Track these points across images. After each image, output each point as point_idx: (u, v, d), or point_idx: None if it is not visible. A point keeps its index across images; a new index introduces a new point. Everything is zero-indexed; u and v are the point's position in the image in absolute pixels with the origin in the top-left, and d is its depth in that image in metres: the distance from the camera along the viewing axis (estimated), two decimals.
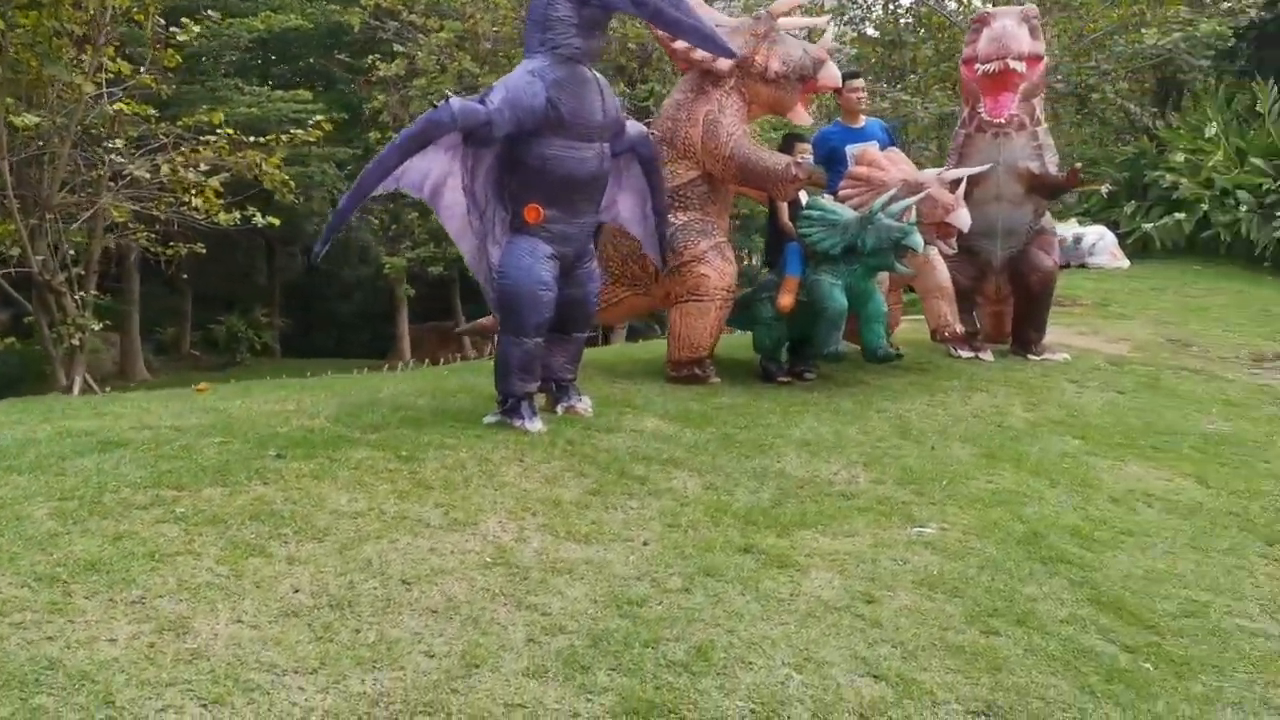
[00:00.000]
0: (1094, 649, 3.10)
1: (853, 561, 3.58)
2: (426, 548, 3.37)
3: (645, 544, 3.59)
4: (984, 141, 7.25)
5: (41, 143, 10.10)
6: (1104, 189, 14.76)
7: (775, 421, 5.41)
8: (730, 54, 5.04)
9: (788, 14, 6.30)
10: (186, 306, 22.36)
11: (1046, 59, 7.13)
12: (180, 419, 4.79)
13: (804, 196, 6.48)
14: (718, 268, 6.15)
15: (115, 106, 9.97)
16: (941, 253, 6.97)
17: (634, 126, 5.41)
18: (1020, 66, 6.64)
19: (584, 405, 5.28)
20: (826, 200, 6.39)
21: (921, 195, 6.39)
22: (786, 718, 2.58)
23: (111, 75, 10.09)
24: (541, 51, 4.76)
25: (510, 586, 3.14)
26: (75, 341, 10.03)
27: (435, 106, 4.57)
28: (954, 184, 6.60)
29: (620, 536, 3.63)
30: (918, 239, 6.06)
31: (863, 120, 7.42)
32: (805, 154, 6.69)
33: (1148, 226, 14.71)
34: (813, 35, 6.61)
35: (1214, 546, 4.09)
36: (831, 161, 7.08)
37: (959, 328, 7.12)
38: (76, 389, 9.71)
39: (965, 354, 7.47)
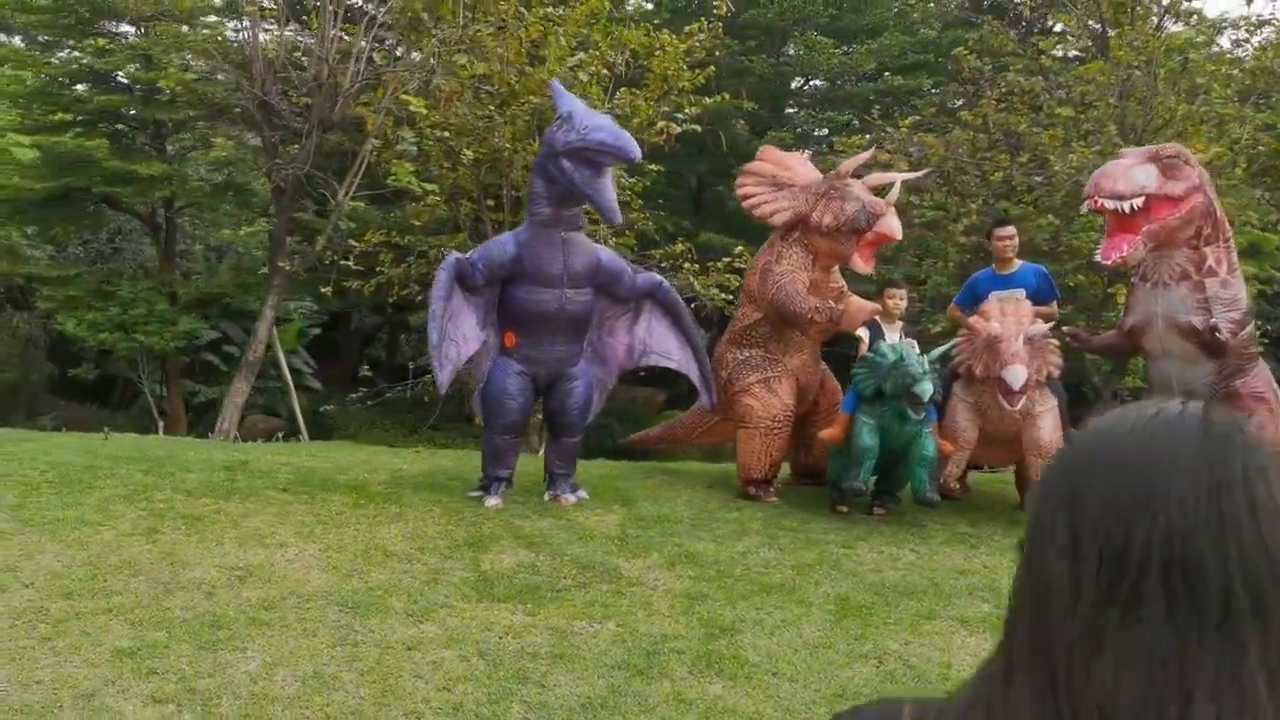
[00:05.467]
0: None
1: None
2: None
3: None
4: (1143, 291, 6.65)
5: None
6: None
7: (754, 562, 5.84)
8: (613, 221, 5.99)
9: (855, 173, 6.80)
10: None
11: (1199, 200, 6.26)
12: None
13: (864, 336, 6.80)
14: (763, 399, 6.81)
15: None
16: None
17: (645, 278, 6.57)
18: (1116, 205, 6.11)
19: (569, 498, 6.46)
20: (887, 344, 6.62)
21: (980, 346, 6.35)
22: None
23: None
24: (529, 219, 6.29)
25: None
26: None
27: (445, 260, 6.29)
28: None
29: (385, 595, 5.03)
30: (925, 387, 6.10)
31: (1015, 265, 7.24)
32: (895, 299, 6.94)
33: None
34: (882, 191, 6.87)
35: None
36: (978, 306, 7.11)
37: None
38: None
39: None
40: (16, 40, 21.16)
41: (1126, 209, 6.15)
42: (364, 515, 5.93)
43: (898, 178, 7.08)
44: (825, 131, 24.23)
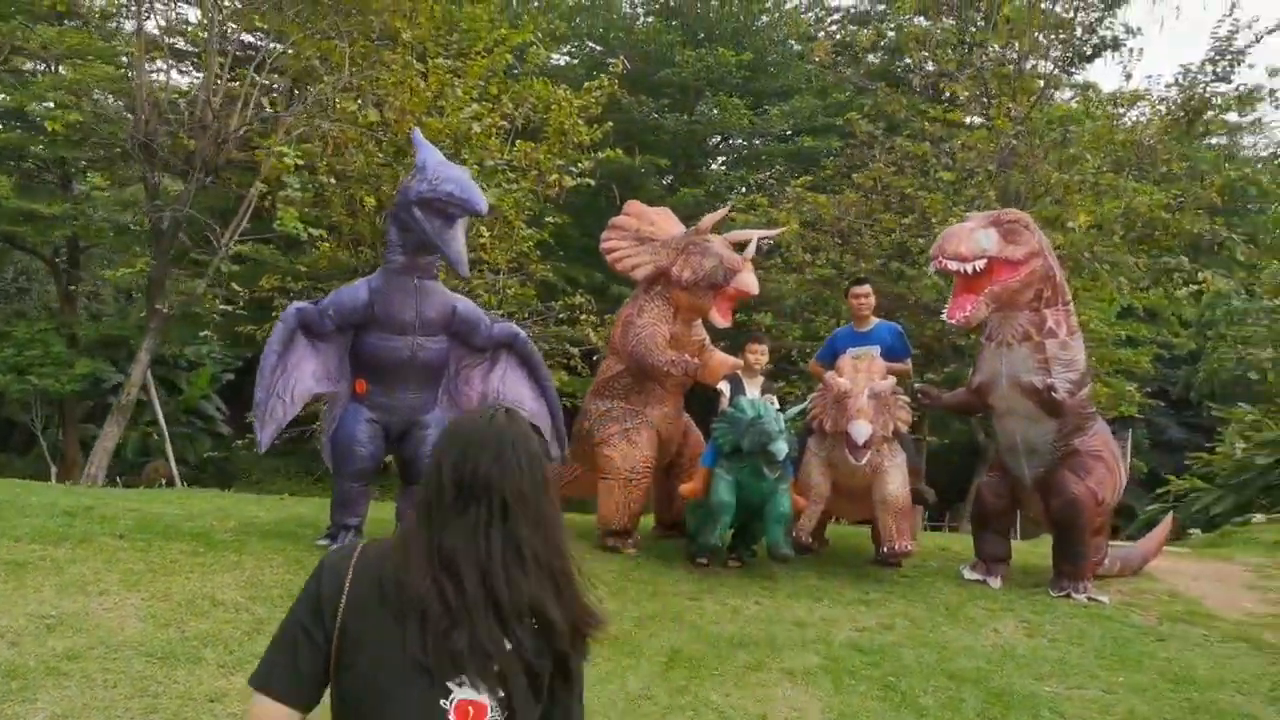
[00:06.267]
0: None
1: None
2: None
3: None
4: (989, 350, 6.86)
5: None
6: None
7: None
8: (460, 272, 6.02)
9: (714, 228, 6.94)
10: None
11: (1039, 264, 6.50)
12: None
13: (725, 391, 6.89)
14: (622, 451, 6.85)
15: None
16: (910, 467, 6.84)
17: (502, 327, 6.60)
18: (959, 266, 6.31)
19: None
20: (747, 400, 6.71)
21: (827, 401, 6.50)
22: None
23: None
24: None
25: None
26: None
27: (282, 312, 6.28)
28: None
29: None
30: (780, 446, 6.19)
31: (872, 323, 7.43)
32: (756, 354, 7.06)
33: None
34: (740, 247, 7.02)
35: None
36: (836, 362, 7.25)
37: (908, 545, 6.66)
38: None
39: (973, 576, 6.94)
40: None
41: (969, 270, 6.36)
42: (199, 563, 5.80)
43: (755, 235, 7.24)
44: (744, 189, 24.77)
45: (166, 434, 10.75)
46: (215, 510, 7.22)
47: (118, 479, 13.74)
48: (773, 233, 8.04)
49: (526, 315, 13.44)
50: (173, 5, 10.76)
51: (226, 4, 10.88)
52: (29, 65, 16.29)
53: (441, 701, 1.76)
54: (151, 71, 9.97)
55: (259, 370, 5.97)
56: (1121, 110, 13.09)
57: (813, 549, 7.25)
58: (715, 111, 21.73)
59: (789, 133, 24.32)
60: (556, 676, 1.86)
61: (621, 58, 12.66)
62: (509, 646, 1.78)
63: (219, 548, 6.12)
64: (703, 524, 6.64)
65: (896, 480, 6.65)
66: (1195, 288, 12.49)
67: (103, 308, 25.47)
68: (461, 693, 1.77)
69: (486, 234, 11.48)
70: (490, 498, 1.80)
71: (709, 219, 7.07)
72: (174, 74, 10.92)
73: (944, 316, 6.64)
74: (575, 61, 24.66)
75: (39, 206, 17.81)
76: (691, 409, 7.70)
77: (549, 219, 12.93)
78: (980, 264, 6.36)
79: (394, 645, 1.75)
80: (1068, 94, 17.50)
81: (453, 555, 1.77)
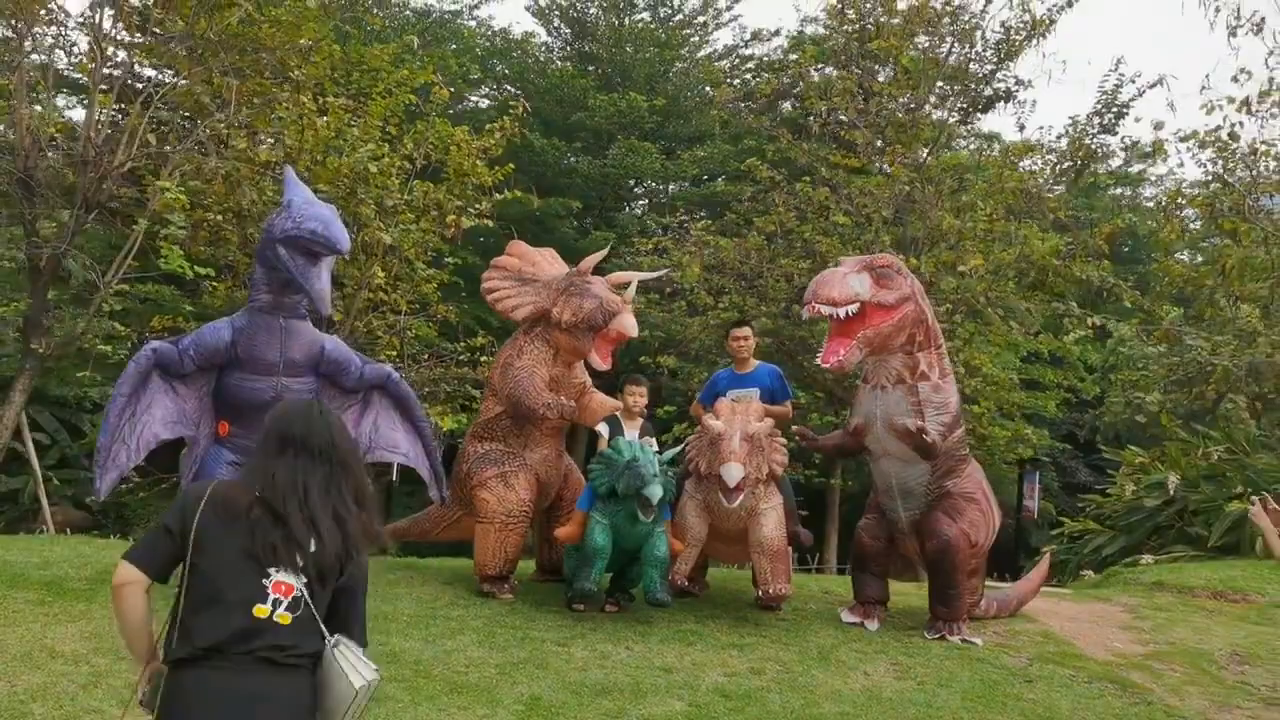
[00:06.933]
0: None
1: None
2: None
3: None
4: (865, 393, 6.93)
5: None
6: None
7: (458, 661, 5.74)
8: (322, 311, 5.93)
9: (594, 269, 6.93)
10: None
11: (911, 309, 6.60)
12: None
13: (603, 433, 6.84)
14: (498, 494, 6.74)
15: None
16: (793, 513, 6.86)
17: (373, 369, 6.48)
18: (831, 311, 6.37)
19: None
20: (624, 441, 6.66)
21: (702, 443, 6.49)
22: None
23: None
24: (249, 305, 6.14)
25: None
26: None
27: (139, 353, 6.09)
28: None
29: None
30: (655, 490, 6.15)
31: (753, 365, 7.47)
32: (634, 395, 7.04)
33: None
34: (621, 288, 7.03)
35: None
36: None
37: (781, 588, 6.63)
38: None
39: (851, 619, 6.94)
40: None
41: (841, 314, 6.41)
42: (44, 613, 5.55)
43: (635, 276, 7.24)
44: (660, 232, 24.94)
45: (39, 478, 10.32)
46: (75, 557, 6.92)
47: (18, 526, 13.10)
48: (652, 275, 8.05)
49: (427, 356, 13.32)
50: (61, 35, 10.47)
51: (115, 36, 10.67)
52: None
53: (263, 581, 2.60)
54: (33, 103, 9.67)
55: (105, 413, 5.77)
56: (1014, 160, 13.49)
57: (692, 591, 7.21)
58: (628, 156, 21.87)
59: (705, 177, 24.61)
60: (346, 570, 2.73)
61: (522, 99, 12.70)
62: (313, 547, 2.66)
63: (67, 596, 5.87)
64: (578, 569, 6.55)
65: (771, 522, 6.64)
66: (1083, 333, 12.83)
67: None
68: (278, 575, 2.62)
69: (382, 274, 11.36)
70: (305, 446, 2.74)
71: (589, 260, 7.06)
72: (59, 103, 10.63)
73: (818, 360, 6.69)
74: (490, 104, 24.69)
75: None
76: (575, 452, 7.64)
77: (449, 259, 12.85)
78: (853, 309, 6.41)
79: (232, 545, 2.61)
80: (970, 143, 18.04)
81: (276, 482, 2.68)
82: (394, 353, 11.90)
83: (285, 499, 2.64)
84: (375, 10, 20.40)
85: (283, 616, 2.60)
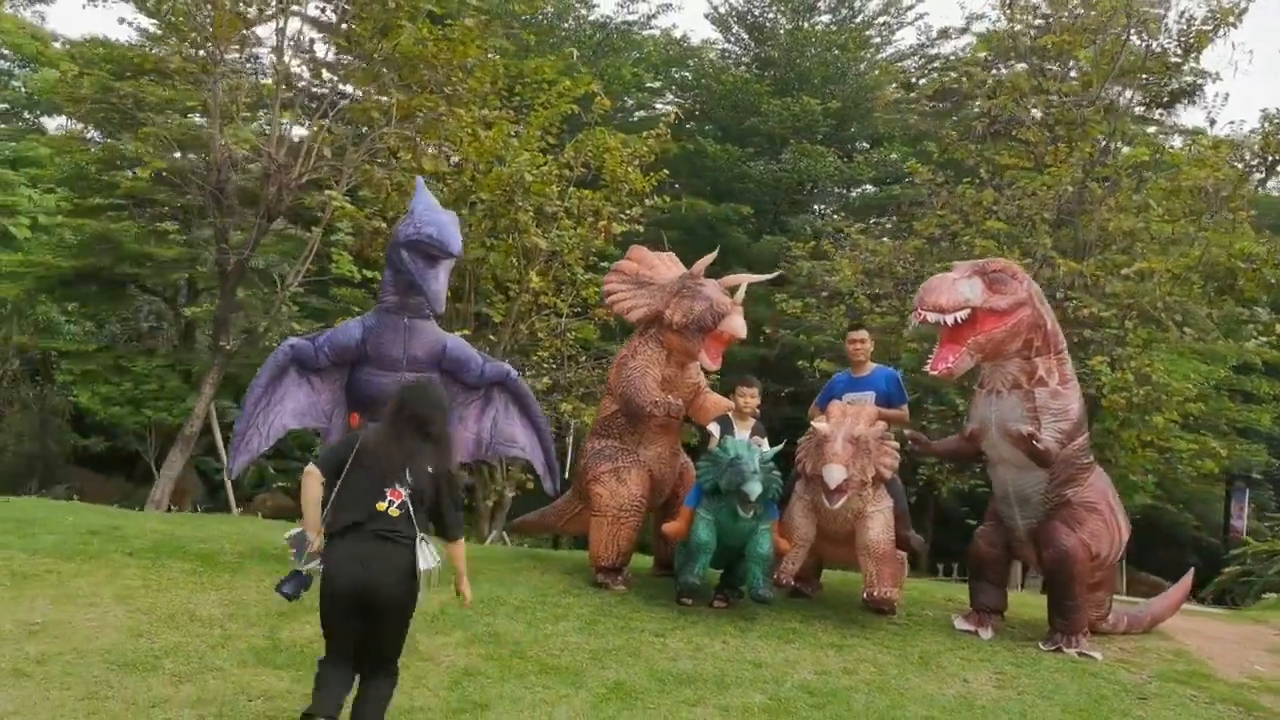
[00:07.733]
0: None
1: None
2: None
3: None
4: (981, 398, 6.79)
5: None
6: None
7: (555, 645, 5.89)
8: (435, 309, 6.29)
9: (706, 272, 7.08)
10: None
11: (1026, 314, 6.39)
12: None
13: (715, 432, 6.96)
14: (611, 488, 6.99)
15: None
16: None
17: (494, 367, 6.89)
18: (938, 318, 6.28)
19: None
20: (732, 440, 6.78)
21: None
22: None
23: None
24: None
25: None
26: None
27: (277, 346, 6.69)
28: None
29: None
30: (754, 487, 6.25)
31: (869, 369, 7.41)
32: (746, 396, 7.12)
33: None
34: (733, 291, 7.10)
35: None
36: None
37: (886, 591, 6.56)
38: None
39: (964, 626, 6.81)
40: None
41: (949, 321, 6.32)
42: (193, 581, 6.19)
43: (746, 279, 7.32)
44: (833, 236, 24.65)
45: (226, 461, 11.33)
46: (234, 534, 7.64)
47: (235, 507, 14.49)
48: (763, 278, 8.08)
49: (585, 357, 13.77)
50: (253, 59, 11.54)
51: (300, 56, 11.58)
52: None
53: (384, 488, 4.15)
54: (228, 123, 10.67)
55: (244, 401, 6.36)
56: (1201, 152, 12.66)
57: (804, 592, 7.23)
58: (802, 160, 21.77)
59: (888, 180, 24.20)
60: (428, 495, 4.24)
61: (675, 108, 12.95)
62: (410, 479, 4.20)
63: (217, 568, 6.51)
64: (685, 563, 6.72)
65: (878, 525, 6.60)
66: (1268, 339, 11.94)
67: (224, 345, 27.04)
68: (392, 488, 4.15)
69: (537, 279, 11.86)
70: (414, 414, 4.33)
71: (701, 262, 7.20)
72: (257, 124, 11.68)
73: (926, 367, 6.61)
74: (670, 112, 25.11)
75: (155, 250, 19.05)
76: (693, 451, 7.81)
77: (604, 264, 13.26)
78: (962, 315, 6.30)
79: (368, 468, 4.18)
80: (1157, 136, 16.98)
81: (391, 436, 4.28)
82: (545, 353, 12.37)
83: (401, 446, 4.25)
84: (534, 22, 20.95)
85: (394, 511, 4.13)
